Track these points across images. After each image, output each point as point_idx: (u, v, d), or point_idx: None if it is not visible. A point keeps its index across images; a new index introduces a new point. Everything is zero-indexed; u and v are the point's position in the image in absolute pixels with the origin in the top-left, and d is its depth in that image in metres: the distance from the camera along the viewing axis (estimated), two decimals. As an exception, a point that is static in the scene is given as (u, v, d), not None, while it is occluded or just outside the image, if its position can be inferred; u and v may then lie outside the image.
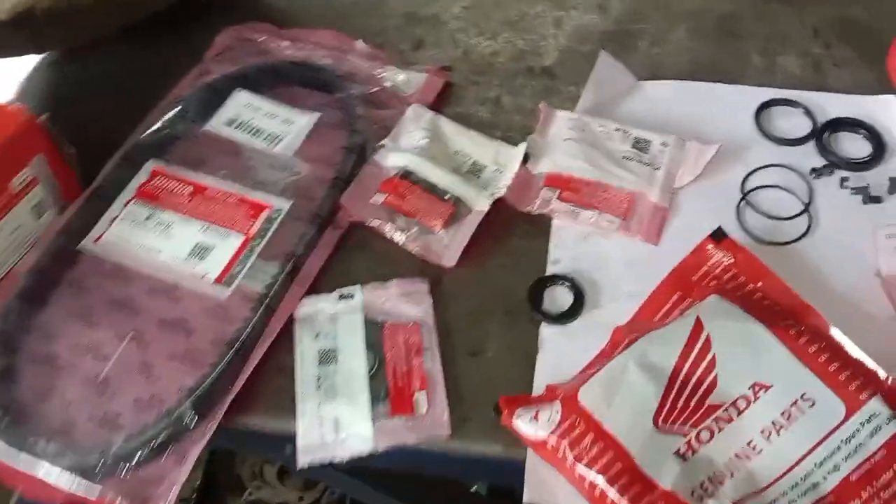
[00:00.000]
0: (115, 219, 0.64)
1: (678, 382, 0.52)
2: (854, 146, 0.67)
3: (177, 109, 0.72)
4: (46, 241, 0.63)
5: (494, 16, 0.83)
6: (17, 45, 0.77)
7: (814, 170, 0.66)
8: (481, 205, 0.64)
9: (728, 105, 0.71)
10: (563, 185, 0.65)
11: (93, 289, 0.61)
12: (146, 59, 0.81)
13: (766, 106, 0.70)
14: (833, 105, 0.70)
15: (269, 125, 0.70)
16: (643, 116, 0.71)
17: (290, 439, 0.54)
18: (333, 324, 0.58)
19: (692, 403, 0.51)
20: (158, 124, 0.71)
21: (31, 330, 0.59)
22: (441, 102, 0.74)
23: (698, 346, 0.53)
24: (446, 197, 0.64)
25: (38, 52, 0.82)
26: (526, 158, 0.67)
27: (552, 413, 0.51)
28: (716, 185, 0.66)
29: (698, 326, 0.53)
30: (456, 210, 0.64)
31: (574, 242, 0.63)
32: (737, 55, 0.76)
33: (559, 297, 0.60)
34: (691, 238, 0.61)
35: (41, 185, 0.64)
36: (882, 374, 0.52)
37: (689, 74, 0.75)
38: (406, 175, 0.66)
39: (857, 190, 0.64)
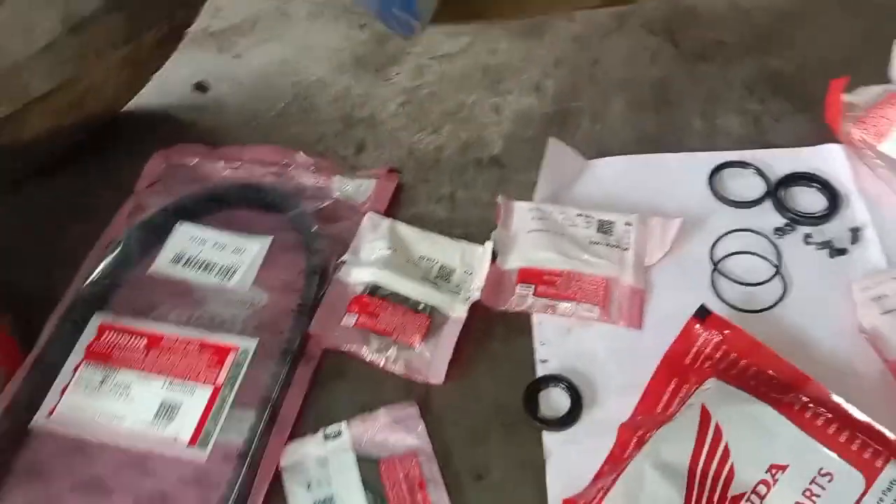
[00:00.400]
0: (66, 387, 0.59)
1: (697, 479, 0.50)
2: (809, 200, 0.68)
3: (115, 253, 0.67)
4: (-6, 426, 0.57)
5: (432, 109, 0.82)
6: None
7: (777, 229, 0.66)
8: (457, 311, 0.62)
9: (679, 173, 0.72)
10: (536, 279, 0.63)
11: (54, 472, 0.55)
12: (67, 199, 0.76)
13: (717, 170, 0.71)
14: (780, 161, 0.71)
15: (219, 257, 0.66)
16: (598, 196, 0.70)
17: None
18: (324, 468, 0.55)
19: (715, 499, 0.49)
20: (98, 272, 0.66)
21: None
22: (394, 206, 0.72)
23: (709, 436, 0.51)
24: (420, 308, 0.62)
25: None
26: (494, 255, 0.65)
27: (577, 535, 0.48)
28: (683, 257, 0.65)
29: (706, 416, 0.52)
30: (432, 320, 0.61)
31: (557, 338, 0.61)
32: (677, 121, 0.77)
33: (555, 400, 0.58)
34: (672, 317, 0.60)
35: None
36: (891, 435, 0.51)
37: (635, 147, 0.75)
38: (374, 291, 0.63)
39: (821, 245, 0.65)
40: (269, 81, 0.88)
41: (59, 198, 0.76)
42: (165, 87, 0.86)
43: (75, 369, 0.60)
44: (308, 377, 0.60)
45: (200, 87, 0.87)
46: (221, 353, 0.60)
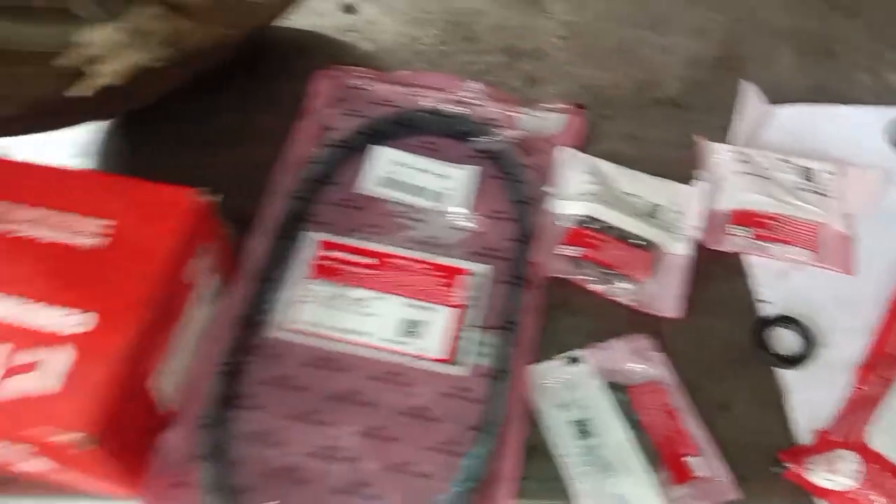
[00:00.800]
0: (298, 302, 0.58)
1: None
2: None
3: (315, 172, 0.66)
4: (226, 334, 0.56)
5: (597, 45, 0.81)
6: (103, 112, 0.68)
7: (964, 186, 0.69)
8: (677, 248, 0.63)
9: (856, 125, 0.73)
10: (751, 221, 0.64)
11: (307, 384, 0.55)
12: (228, 119, 0.74)
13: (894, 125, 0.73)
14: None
15: (427, 182, 0.66)
16: (781, 143, 0.72)
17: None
18: (573, 392, 0.56)
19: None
20: (300, 190, 0.65)
21: (251, 439, 0.53)
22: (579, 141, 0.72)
23: (955, 377, 0.54)
24: (639, 243, 0.63)
25: (107, 118, 0.73)
26: (698, 196, 0.66)
27: (850, 462, 0.50)
28: (874, 207, 0.67)
29: (949, 357, 0.55)
30: (654, 256, 0.62)
31: (775, 280, 0.63)
32: (845, 75, 0.78)
33: (784, 340, 0.59)
34: (881, 264, 0.63)
35: (212, 274, 0.57)
36: None
37: (806, 97, 0.76)
38: (588, 223, 0.63)
39: None
40: (420, 6, 0.85)
41: (213, 117, 0.74)
42: (312, 6, 0.83)
43: (303, 283, 0.59)
44: (537, 304, 0.60)
45: (348, 8, 0.85)
46: (453, 274, 0.60)
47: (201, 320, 0.56)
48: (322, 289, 0.59)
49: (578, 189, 0.66)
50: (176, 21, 0.59)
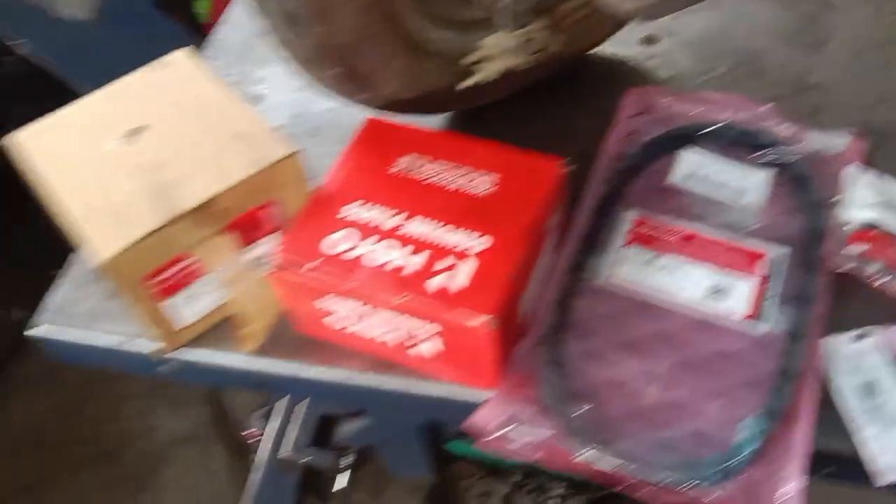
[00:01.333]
0: (616, 262, 0.72)
1: None
2: None
3: (629, 163, 0.80)
4: (561, 279, 0.71)
5: (875, 89, 0.90)
6: (467, 102, 0.86)
7: None
8: (957, 258, 0.70)
9: None
10: None
11: (626, 324, 0.68)
12: (551, 117, 0.90)
13: None
14: None
15: (727, 180, 0.78)
16: None
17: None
18: (859, 361, 0.65)
19: None
20: (614, 179, 0.79)
21: (581, 356, 0.67)
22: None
23: None
24: (919, 249, 0.71)
25: (464, 108, 0.90)
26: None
27: None
28: None
29: None
30: (934, 261, 0.70)
31: None
32: None
33: None
34: None
35: (554, 230, 0.72)
36: None
37: None
38: (872, 228, 0.73)
39: None
40: (711, 43, 0.98)
41: (548, 119, 0.90)
42: (619, 37, 0.98)
43: (620, 250, 0.73)
44: (825, 288, 0.70)
45: (650, 39, 0.99)
46: (753, 255, 0.71)
47: (545, 265, 0.71)
48: (636, 253, 0.73)
49: (864, 199, 0.75)
50: (549, 34, 0.76)
